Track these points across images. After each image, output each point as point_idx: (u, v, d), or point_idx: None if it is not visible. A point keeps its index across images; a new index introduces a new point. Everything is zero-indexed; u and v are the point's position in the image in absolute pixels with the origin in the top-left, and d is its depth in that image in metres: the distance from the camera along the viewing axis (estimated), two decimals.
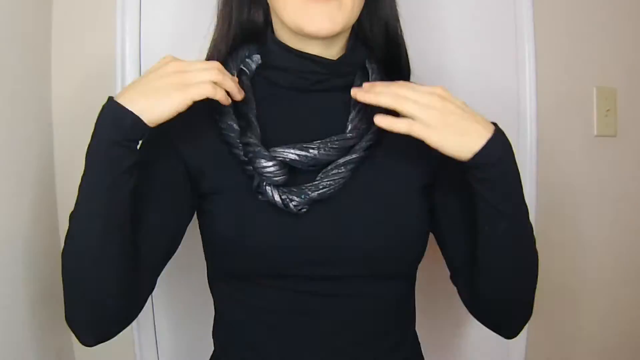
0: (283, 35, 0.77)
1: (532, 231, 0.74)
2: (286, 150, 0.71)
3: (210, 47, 0.84)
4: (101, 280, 0.67)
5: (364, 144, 0.74)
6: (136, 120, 0.65)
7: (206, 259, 0.82)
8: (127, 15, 1.14)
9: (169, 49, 1.17)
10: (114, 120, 0.65)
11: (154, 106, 0.65)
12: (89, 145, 0.67)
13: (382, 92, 0.68)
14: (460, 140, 0.67)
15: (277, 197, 0.70)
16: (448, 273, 0.84)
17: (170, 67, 0.68)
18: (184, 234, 0.78)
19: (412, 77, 0.92)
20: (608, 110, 1.38)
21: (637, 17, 1.40)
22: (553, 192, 1.34)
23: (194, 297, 1.17)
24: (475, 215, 0.71)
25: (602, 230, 1.39)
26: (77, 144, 1.15)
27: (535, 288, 0.76)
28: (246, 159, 0.72)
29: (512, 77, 1.31)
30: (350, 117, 0.75)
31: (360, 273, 0.75)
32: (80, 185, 0.67)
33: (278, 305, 0.76)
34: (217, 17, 0.83)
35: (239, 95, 0.73)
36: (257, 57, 0.80)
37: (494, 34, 1.29)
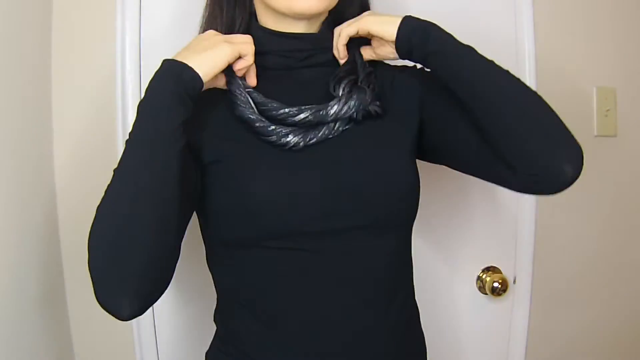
0: (267, 21, 0.84)
1: (513, 78, 0.78)
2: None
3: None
4: (146, 239, 0.66)
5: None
6: (194, 73, 0.71)
7: (206, 240, 0.85)
8: (127, 15, 1.14)
9: (169, 47, 1.18)
10: (174, 75, 0.71)
11: (208, 59, 0.73)
12: (144, 99, 0.71)
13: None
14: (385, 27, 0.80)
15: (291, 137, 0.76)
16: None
17: (211, 32, 0.79)
18: (195, 206, 0.81)
19: None
20: (608, 110, 1.38)
21: (637, 17, 1.41)
22: None
23: (195, 295, 1.18)
24: (458, 99, 0.77)
25: (602, 230, 1.39)
26: (77, 144, 1.16)
27: (558, 121, 0.79)
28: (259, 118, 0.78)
29: None
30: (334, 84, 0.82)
31: (360, 223, 0.77)
32: (130, 138, 0.69)
33: (284, 269, 0.77)
34: (205, 18, 0.89)
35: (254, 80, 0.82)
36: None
37: (494, 34, 1.30)
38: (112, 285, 0.66)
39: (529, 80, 1.30)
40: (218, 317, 0.89)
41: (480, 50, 0.82)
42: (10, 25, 0.97)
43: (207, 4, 0.89)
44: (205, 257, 0.87)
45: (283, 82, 0.83)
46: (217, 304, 0.88)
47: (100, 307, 0.67)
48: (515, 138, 0.74)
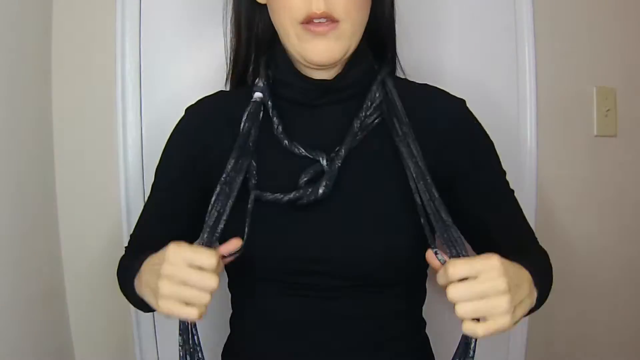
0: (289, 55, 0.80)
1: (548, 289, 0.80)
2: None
3: (228, 64, 0.89)
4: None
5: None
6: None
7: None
8: (127, 15, 1.14)
9: (169, 47, 1.18)
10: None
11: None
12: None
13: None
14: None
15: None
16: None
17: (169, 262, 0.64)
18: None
19: (414, 79, 0.93)
20: (608, 110, 1.38)
21: (637, 17, 1.40)
22: (553, 192, 1.34)
23: None
24: None
25: (602, 230, 1.39)
26: (76, 144, 1.16)
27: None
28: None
29: (512, 77, 1.31)
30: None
31: (342, 284, 0.76)
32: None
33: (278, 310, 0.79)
34: (230, 33, 0.87)
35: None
36: (258, 95, 0.81)
37: (494, 34, 1.29)
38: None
39: (529, 81, 1.30)
40: (230, 322, 0.90)
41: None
42: (10, 25, 0.97)
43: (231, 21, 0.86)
44: None
45: (300, 116, 0.80)
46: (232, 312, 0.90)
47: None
48: None
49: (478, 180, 0.81)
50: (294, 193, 0.73)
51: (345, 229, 0.75)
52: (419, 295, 0.87)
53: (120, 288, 0.82)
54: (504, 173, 0.86)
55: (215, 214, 0.73)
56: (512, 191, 0.87)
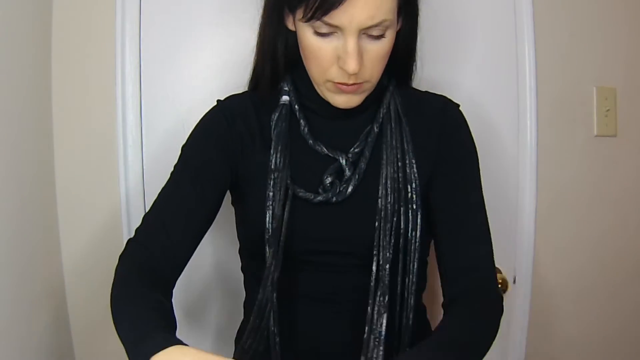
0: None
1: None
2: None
3: (252, 76, 0.93)
4: None
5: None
6: None
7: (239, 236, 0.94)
8: (127, 15, 1.14)
9: (169, 47, 1.18)
10: None
11: None
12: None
13: None
14: None
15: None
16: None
17: None
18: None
19: (416, 80, 0.93)
20: (608, 110, 1.38)
21: (637, 16, 1.40)
22: (553, 192, 1.34)
23: (193, 296, 1.17)
24: None
25: (602, 230, 1.39)
26: (77, 144, 1.16)
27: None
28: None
29: (512, 77, 1.31)
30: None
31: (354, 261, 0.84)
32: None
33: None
34: (256, 49, 0.90)
35: None
36: (285, 98, 0.89)
37: (494, 35, 1.30)
38: None
39: (529, 81, 1.30)
40: (244, 305, 0.95)
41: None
42: (11, 25, 0.97)
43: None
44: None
45: (322, 121, 0.87)
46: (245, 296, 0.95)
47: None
48: None
49: (449, 179, 0.86)
50: (323, 195, 0.82)
51: (359, 217, 0.83)
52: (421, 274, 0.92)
53: (112, 302, 0.79)
54: (479, 187, 0.89)
55: (270, 214, 0.81)
56: (482, 204, 0.90)
